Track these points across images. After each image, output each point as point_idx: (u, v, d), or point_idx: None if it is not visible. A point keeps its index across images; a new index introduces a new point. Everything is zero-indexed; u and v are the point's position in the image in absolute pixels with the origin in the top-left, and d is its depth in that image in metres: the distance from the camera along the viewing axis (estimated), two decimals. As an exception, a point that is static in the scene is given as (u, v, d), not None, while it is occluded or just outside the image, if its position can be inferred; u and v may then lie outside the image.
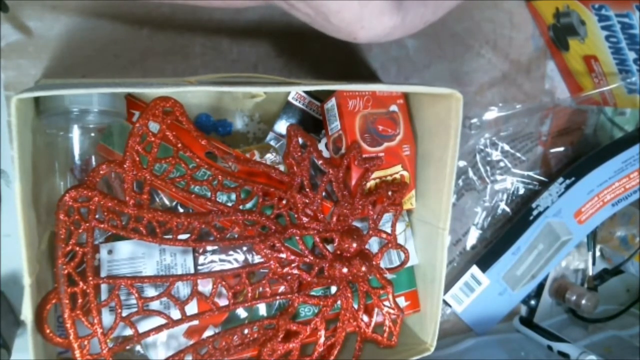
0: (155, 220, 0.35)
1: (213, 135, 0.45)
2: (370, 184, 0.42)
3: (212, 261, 0.40)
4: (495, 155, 0.59)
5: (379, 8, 0.28)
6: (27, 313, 0.32)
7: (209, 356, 0.37)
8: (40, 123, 0.35)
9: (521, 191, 0.61)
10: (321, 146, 0.44)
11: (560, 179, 0.57)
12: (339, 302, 0.40)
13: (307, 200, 0.39)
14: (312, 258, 0.40)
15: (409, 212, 0.47)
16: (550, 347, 0.57)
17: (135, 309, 0.35)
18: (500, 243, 0.57)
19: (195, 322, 0.38)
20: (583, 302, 0.60)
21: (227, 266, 0.40)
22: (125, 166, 0.34)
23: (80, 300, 0.33)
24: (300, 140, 0.39)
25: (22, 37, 0.39)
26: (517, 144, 0.60)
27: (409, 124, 0.44)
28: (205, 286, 0.38)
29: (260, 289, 0.39)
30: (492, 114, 0.58)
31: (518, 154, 0.60)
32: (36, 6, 0.39)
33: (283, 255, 0.39)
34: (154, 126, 0.35)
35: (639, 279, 0.64)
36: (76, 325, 0.32)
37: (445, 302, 0.57)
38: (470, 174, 0.58)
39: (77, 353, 0.32)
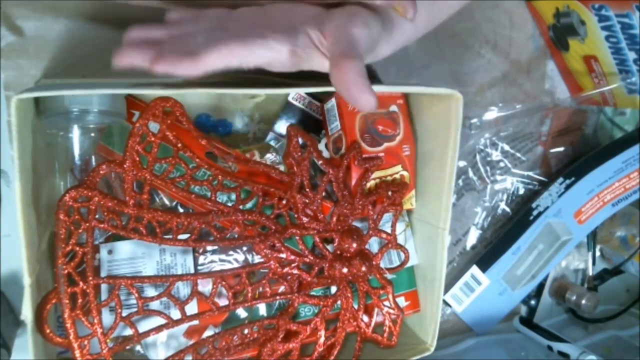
0: (155, 220, 0.35)
1: (213, 135, 0.45)
2: (370, 184, 0.42)
3: (212, 261, 0.40)
4: (495, 155, 0.59)
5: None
6: (27, 313, 0.32)
7: (209, 356, 0.37)
8: (40, 123, 0.35)
9: (521, 191, 0.61)
10: (321, 146, 0.44)
11: (560, 179, 0.57)
12: (339, 302, 0.40)
13: (307, 200, 0.39)
14: (312, 258, 0.40)
15: (409, 212, 0.47)
16: (550, 347, 0.56)
17: (135, 309, 0.35)
18: (500, 243, 0.57)
19: (195, 322, 0.38)
20: (583, 302, 0.60)
21: (227, 266, 0.40)
22: (125, 166, 0.34)
23: (80, 300, 0.33)
24: (300, 140, 0.39)
25: (23, 37, 0.39)
26: (517, 144, 0.60)
27: (409, 124, 0.44)
28: (205, 286, 0.38)
29: (260, 289, 0.39)
30: (492, 114, 0.58)
31: (518, 154, 0.60)
32: (36, 6, 0.39)
33: (283, 255, 0.39)
34: (154, 126, 0.35)
35: (639, 279, 0.64)
36: (76, 325, 0.32)
37: (445, 302, 0.57)
38: (470, 174, 0.58)
39: (77, 353, 0.32)
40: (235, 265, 0.40)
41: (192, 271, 0.39)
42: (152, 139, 0.34)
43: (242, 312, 0.42)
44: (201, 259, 0.40)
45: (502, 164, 0.59)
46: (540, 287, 0.63)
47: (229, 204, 0.38)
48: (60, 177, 0.37)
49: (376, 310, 0.43)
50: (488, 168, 0.59)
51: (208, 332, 0.39)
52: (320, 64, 0.31)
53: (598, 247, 0.65)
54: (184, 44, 0.29)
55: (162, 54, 0.27)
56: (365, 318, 0.42)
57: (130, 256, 0.38)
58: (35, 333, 0.33)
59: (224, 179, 0.38)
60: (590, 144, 0.64)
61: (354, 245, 0.40)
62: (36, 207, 0.33)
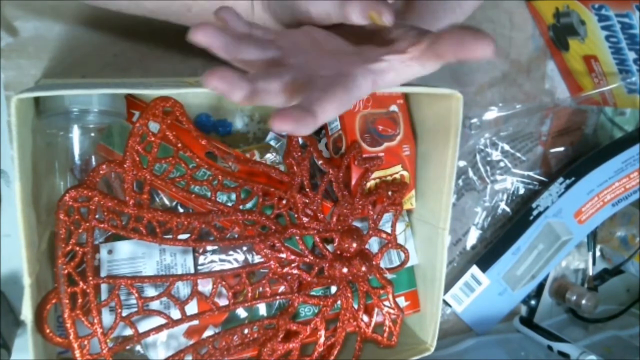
0: (155, 220, 0.35)
1: (213, 135, 0.45)
2: (370, 184, 0.42)
3: (212, 261, 0.40)
4: (495, 155, 0.59)
5: None
6: (27, 313, 0.32)
7: (209, 356, 0.37)
8: (40, 123, 0.35)
9: (521, 191, 0.61)
10: (321, 146, 0.44)
11: (560, 179, 0.57)
12: (339, 302, 0.40)
13: (307, 200, 0.39)
14: (312, 258, 0.40)
15: (409, 212, 0.47)
16: (550, 347, 0.56)
17: (135, 309, 0.35)
18: (500, 243, 0.57)
19: (195, 322, 0.38)
20: (583, 302, 0.60)
21: (227, 266, 0.40)
22: (125, 166, 0.34)
23: (80, 300, 0.33)
24: (300, 140, 0.39)
25: (22, 37, 0.39)
26: (517, 144, 0.60)
27: (409, 124, 0.44)
28: (205, 286, 0.38)
29: (260, 289, 0.39)
30: (492, 114, 0.58)
31: (518, 154, 0.60)
32: (36, 7, 0.39)
33: (283, 255, 0.39)
34: (154, 126, 0.35)
35: (639, 279, 0.64)
36: (76, 325, 0.32)
37: (445, 302, 0.57)
38: (470, 174, 0.58)
39: (77, 353, 0.32)
40: (235, 265, 0.40)
41: (192, 271, 0.39)
42: (152, 139, 0.34)
43: (242, 312, 0.42)
44: (201, 259, 0.40)
45: (502, 164, 0.59)
46: (540, 287, 0.63)
47: (229, 204, 0.38)
48: (60, 177, 0.37)
49: (376, 310, 0.43)
50: (488, 168, 0.59)
51: (208, 332, 0.39)
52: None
53: (598, 247, 0.65)
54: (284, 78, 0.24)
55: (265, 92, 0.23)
56: (365, 318, 0.42)
57: (130, 256, 0.38)
58: (35, 333, 0.33)
59: (224, 179, 0.38)
60: (590, 144, 0.64)
61: (354, 245, 0.40)
62: (36, 207, 0.33)
